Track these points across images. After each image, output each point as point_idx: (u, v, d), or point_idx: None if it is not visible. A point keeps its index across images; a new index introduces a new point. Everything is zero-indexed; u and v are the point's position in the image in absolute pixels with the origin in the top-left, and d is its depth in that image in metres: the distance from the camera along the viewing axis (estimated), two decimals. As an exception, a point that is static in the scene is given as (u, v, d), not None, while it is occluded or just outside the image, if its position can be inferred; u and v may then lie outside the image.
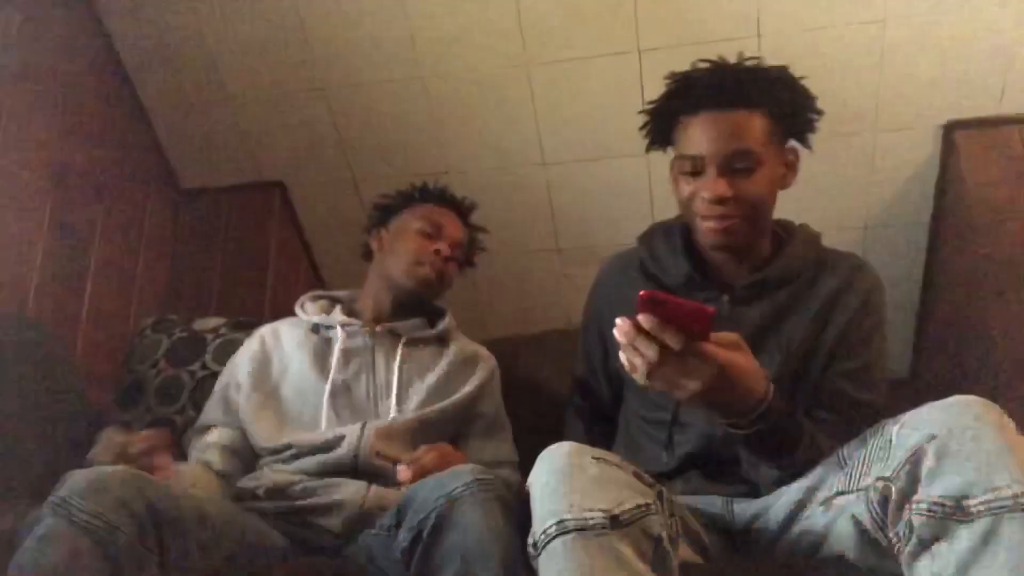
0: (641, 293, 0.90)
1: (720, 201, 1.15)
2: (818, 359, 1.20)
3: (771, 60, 1.16)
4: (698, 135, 1.16)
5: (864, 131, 2.11)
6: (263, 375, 1.47)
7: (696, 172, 1.17)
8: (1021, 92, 1.99)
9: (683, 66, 1.25)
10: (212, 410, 1.49)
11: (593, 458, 0.93)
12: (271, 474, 1.35)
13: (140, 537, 0.97)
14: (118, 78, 2.17)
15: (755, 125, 1.15)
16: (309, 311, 1.57)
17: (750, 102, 1.15)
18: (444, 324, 1.57)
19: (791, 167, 1.22)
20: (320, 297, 1.64)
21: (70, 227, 1.93)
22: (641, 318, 0.90)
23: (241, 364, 1.51)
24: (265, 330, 1.56)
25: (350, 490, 1.29)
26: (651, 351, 0.91)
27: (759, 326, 1.21)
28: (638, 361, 0.93)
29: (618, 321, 0.93)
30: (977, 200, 1.99)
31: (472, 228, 1.69)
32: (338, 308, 1.58)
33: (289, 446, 1.36)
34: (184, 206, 2.40)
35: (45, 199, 1.87)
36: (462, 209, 1.67)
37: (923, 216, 2.22)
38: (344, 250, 2.52)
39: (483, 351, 1.58)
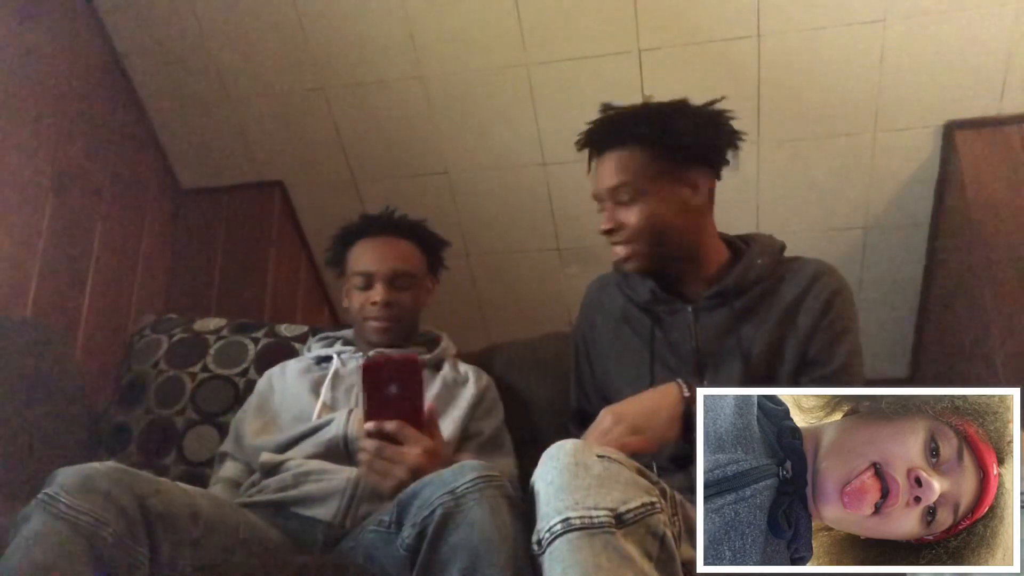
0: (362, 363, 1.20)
1: (608, 232, 1.29)
2: (784, 366, 1.23)
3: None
4: (593, 179, 1.32)
5: (864, 131, 2.11)
6: (266, 406, 1.53)
7: (602, 211, 1.32)
8: (1021, 92, 2.00)
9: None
10: (228, 440, 1.54)
11: (597, 456, 0.93)
12: (265, 456, 1.39)
13: (129, 533, 0.97)
14: (118, 78, 2.17)
15: (628, 161, 1.26)
16: (315, 350, 1.62)
17: (622, 142, 1.27)
18: (439, 350, 1.58)
19: (696, 188, 1.28)
20: (326, 337, 1.67)
21: (70, 227, 1.93)
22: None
23: (251, 399, 1.57)
24: (275, 368, 1.61)
25: (341, 476, 1.30)
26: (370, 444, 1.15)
27: (720, 333, 1.26)
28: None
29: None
30: (977, 200, 1.99)
31: (408, 231, 1.61)
32: (339, 343, 1.62)
33: (282, 442, 1.41)
34: (184, 206, 2.40)
35: (45, 199, 1.86)
36: (387, 227, 1.59)
37: (923, 216, 2.23)
38: (344, 250, 2.53)
39: (476, 372, 1.57)
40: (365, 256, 1.56)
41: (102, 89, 2.11)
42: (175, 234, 2.36)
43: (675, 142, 1.26)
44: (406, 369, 1.17)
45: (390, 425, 1.16)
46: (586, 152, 1.35)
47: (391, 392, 1.16)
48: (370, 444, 1.16)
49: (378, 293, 1.50)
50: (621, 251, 1.29)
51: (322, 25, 2.08)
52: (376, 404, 1.16)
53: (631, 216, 1.26)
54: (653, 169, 1.26)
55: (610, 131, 1.30)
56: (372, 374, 1.16)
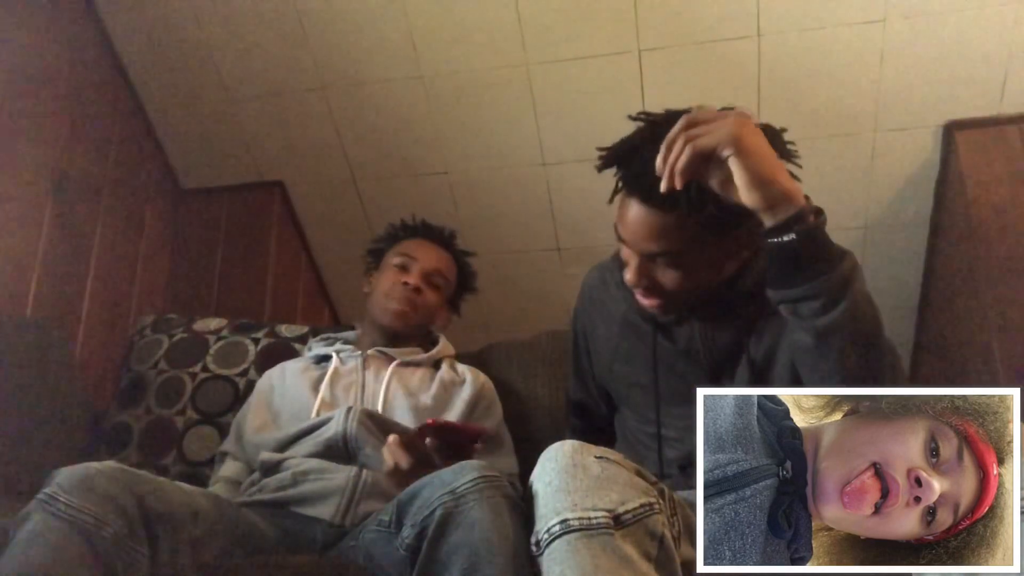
0: (428, 422, 1.15)
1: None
2: (778, 371, 1.18)
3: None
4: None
5: (864, 131, 2.11)
6: (266, 404, 1.54)
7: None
8: (1021, 92, 2.00)
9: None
10: (228, 440, 1.55)
11: (596, 457, 0.93)
12: (265, 455, 1.39)
13: (129, 532, 0.97)
14: (118, 79, 2.17)
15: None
16: (315, 349, 1.64)
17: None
18: (436, 349, 1.61)
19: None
20: (327, 337, 1.69)
21: (70, 227, 1.93)
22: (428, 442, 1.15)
23: (251, 399, 1.58)
24: (275, 369, 1.62)
25: (341, 475, 1.31)
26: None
27: (729, 340, 1.21)
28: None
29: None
30: (977, 200, 1.99)
31: (457, 253, 1.72)
32: (340, 343, 1.64)
33: (282, 440, 1.41)
34: (184, 206, 2.40)
35: (45, 199, 1.86)
36: (442, 238, 1.70)
37: (923, 216, 2.23)
38: (344, 250, 2.53)
39: (473, 372, 1.59)
40: (416, 248, 1.64)
41: (102, 89, 2.11)
42: (175, 234, 2.36)
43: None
44: (467, 435, 1.19)
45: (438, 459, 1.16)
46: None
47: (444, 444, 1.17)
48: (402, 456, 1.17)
49: (414, 277, 1.58)
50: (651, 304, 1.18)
51: (322, 25, 2.08)
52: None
53: (668, 278, 1.13)
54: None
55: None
56: (438, 430, 1.16)
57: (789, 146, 1.12)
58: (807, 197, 1.00)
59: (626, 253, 1.15)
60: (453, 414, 1.48)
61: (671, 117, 1.06)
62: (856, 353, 1.00)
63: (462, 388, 1.54)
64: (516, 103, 2.15)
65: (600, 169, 1.13)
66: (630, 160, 1.09)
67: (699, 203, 1.04)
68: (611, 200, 1.15)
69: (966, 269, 2.04)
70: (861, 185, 2.20)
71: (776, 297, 1.03)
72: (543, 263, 2.46)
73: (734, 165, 0.96)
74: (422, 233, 1.70)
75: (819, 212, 0.99)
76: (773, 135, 1.10)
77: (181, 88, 2.23)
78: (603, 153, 1.13)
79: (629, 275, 1.14)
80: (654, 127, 1.08)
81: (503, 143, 2.24)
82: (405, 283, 1.57)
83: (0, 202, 1.75)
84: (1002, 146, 2.02)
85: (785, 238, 0.97)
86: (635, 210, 1.09)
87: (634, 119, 1.12)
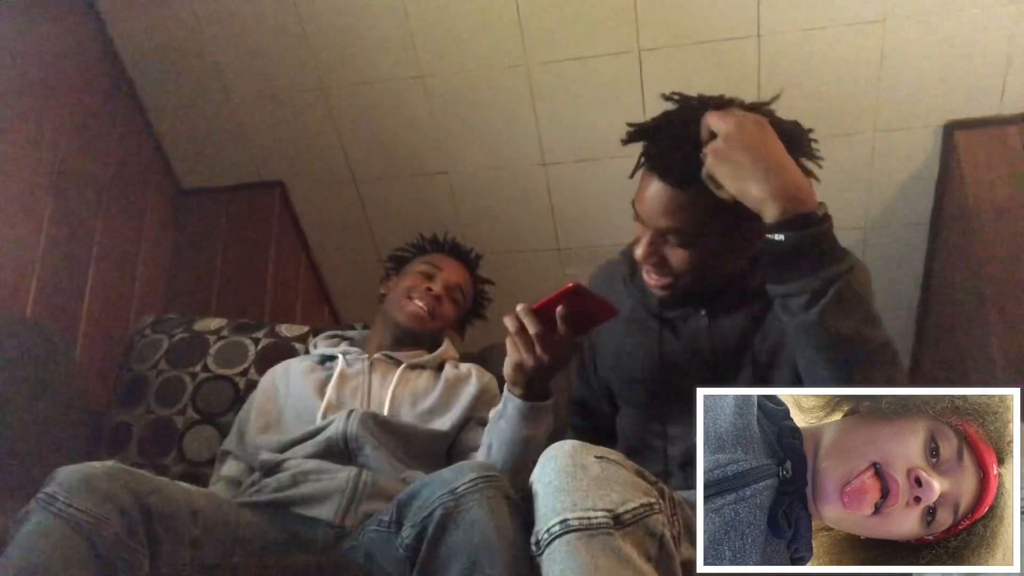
0: (570, 285, 1.10)
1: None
2: (782, 371, 1.18)
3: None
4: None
5: (864, 131, 2.11)
6: (270, 404, 1.54)
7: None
8: (1021, 92, 2.00)
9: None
10: (230, 439, 1.55)
11: (596, 457, 0.93)
12: (265, 455, 1.39)
13: (129, 532, 0.97)
14: (118, 78, 2.17)
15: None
16: (320, 347, 1.64)
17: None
18: (441, 349, 1.63)
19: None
20: (332, 336, 1.70)
21: (70, 227, 1.93)
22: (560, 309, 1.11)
23: (254, 398, 1.58)
24: (279, 367, 1.62)
25: (341, 476, 1.31)
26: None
27: (736, 339, 1.21)
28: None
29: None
30: (977, 200, 1.99)
31: (478, 279, 1.76)
32: (345, 343, 1.65)
33: (285, 442, 1.42)
34: (184, 206, 2.40)
35: (45, 199, 1.87)
36: (468, 259, 1.75)
37: (923, 216, 2.23)
38: (344, 250, 2.53)
39: (478, 370, 1.60)
40: (443, 261, 1.68)
41: (102, 89, 2.11)
42: (175, 234, 2.36)
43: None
44: (601, 311, 1.16)
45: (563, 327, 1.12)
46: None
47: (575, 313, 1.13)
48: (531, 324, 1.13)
49: (438, 286, 1.61)
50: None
51: (322, 25, 2.08)
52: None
53: (676, 258, 1.15)
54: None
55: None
56: (576, 292, 1.12)
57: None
58: (821, 204, 1.03)
59: (640, 229, 1.17)
60: (462, 402, 1.49)
61: (705, 101, 1.10)
62: (846, 351, 1.02)
63: (468, 383, 1.55)
64: (516, 103, 2.15)
65: (625, 143, 1.16)
66: (656, 136, 1.12)
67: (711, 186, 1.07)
68: (632, 175, 1.17)
69: (966, 269, 2.04)
70: (861, 185, 2.20)
71: (770, 291, 1.05)
72: (543, 263, 2.46)
73: (717, 176, 1.02)
74: (450, 250, 1.74)
75: (824, 215, 1.01)
76: (795, 134, 1.11)
77: (181, 88, 2.23)
78: (632, 128, 1.15)
79: (639, 249, 1.16)
80: (685, 110, 1.12)
81: (503, 143, 2.24)
82: (429, 288, 1.60)
83: (0, 202, 1.75)
84: (1002, 146, 2.02)
85: (777, 237, 0.99)
86: (654, 186, 1.11)
87: (667, 99, 1.16)
